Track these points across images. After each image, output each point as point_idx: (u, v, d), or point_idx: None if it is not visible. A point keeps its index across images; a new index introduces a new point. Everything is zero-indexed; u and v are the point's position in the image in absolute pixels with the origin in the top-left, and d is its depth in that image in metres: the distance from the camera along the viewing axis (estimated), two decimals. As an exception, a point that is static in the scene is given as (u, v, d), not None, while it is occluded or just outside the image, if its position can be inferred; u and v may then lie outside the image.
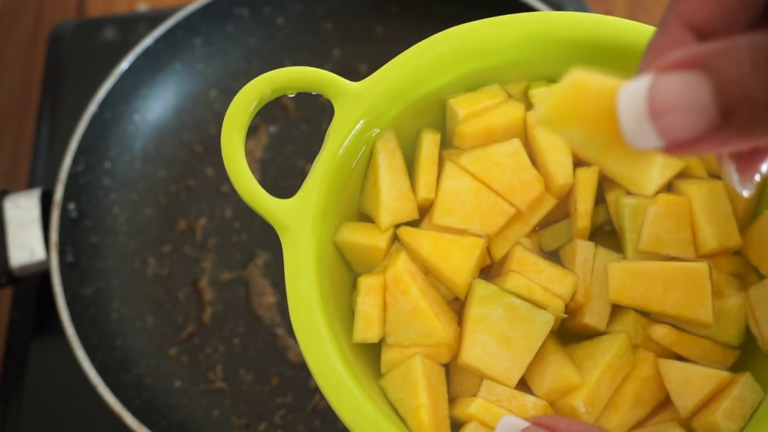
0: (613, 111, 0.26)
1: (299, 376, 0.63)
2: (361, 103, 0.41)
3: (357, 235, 0.41)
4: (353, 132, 0.41)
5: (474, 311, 0.39)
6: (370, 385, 0.39)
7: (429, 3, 0.73)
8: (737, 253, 0.41)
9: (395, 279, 0.40)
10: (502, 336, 0.38)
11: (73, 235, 0.66)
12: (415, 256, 0.41)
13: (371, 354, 0.40)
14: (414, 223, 0.42)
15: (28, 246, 0.64)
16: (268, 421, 0.62)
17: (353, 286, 0.42)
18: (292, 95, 0.42)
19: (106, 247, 0.67)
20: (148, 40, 0.70)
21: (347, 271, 0.42)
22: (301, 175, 0.69)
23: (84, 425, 0.63)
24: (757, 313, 0.39)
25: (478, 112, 0.42)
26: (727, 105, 0.23)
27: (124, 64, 0.69)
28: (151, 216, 0.69)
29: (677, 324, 0.39)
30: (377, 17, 0.74)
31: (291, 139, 0.71)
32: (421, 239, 0.41)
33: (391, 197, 0.41)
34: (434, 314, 0.39)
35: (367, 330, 0.40)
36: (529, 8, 0.69)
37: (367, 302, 0.40)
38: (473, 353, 0.38)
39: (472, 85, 0.44)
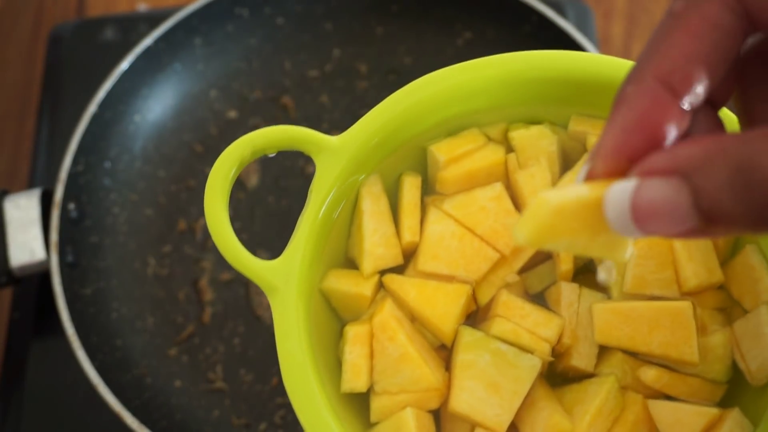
0: (592, 216, 0.28)
1: (299, 376, 0.63)
2: (341, 157, 0.41)
3: (342, 283, 0.42)
4: (336, 186, 0.42)
5: (461, 358, 0.39)
6: None
7: (429, 3, 0.73)
8: (721, 287, 0.41)
9: (382, 326, 0.40)
10: (490, 382, 0.39)
11: (73, 235, 0.66)
12: (400, 304, 0.41)
13: (360, 403, 0.41)
14: (399, 269, 0.42)
15: (28, 246, 0.64)
16: (268, 421, 0.62)
17: (340, 335, 0.42)
18: (272, 155, 0.42)
19: (106, 247, 0.67)
20: (148, 40, 0.70)
21: (334, 320, 0.42)
22: (301, 176, 0.70)
23: (84, 425, 0.63)
24: (743, 347, 0.39)
25: (459, 156, 0.43)
26: (707, 215, 0.24)
27: (124, 64, 0.69)
28: (151, 216, 0.69)
29: (664, 363, 0.40)
30: (377, 17, 0.74)
31: (291, 139, 0.71)
32: (406, 287, 0.41)
33: (374, 243, 0.42)
34: (422, 360, 0.39)
35: (355, 379, 0.40)
36: (530, 8, 0.69)
37: (355, 351, 0.40)
38: (462, 400, 0.39)
39: (452, 129, 0.44)
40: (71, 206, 0.66)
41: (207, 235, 0.68)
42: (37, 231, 0.64)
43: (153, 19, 0.75)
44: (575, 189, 0.29)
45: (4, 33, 0.83)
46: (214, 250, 0.67)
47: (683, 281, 0.40)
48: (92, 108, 0.67)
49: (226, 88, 0.73)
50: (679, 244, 0.40)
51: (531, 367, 0.39)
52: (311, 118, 0.72)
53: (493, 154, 0.43)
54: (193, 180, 0.70)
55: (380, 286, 0.42)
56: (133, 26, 0.76)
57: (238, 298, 0.66)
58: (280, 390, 0.63)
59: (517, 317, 0.40)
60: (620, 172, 0.27)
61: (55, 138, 0.73)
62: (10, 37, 0.83)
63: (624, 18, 0.79)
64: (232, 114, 0.72)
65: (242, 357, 0.64)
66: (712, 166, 0.24)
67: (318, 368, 0.39)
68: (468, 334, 0.40)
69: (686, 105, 0.26)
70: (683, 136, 0.27)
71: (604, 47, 0.77)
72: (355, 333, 0.40)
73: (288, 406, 0.62)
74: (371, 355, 0.40)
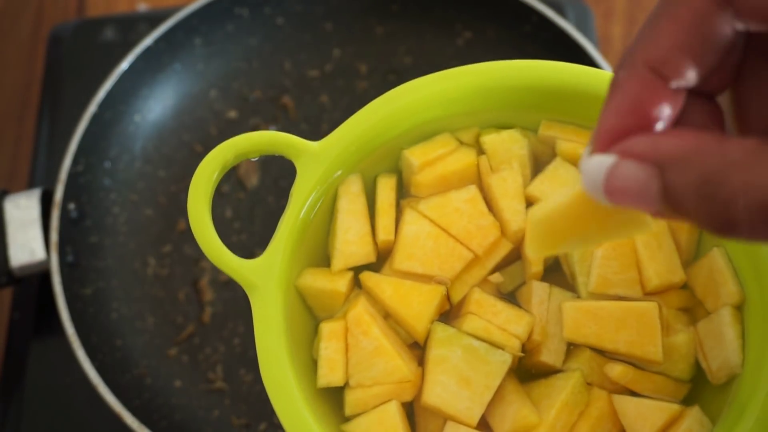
0: (586, 209, 0.30)
1: (299, 376, 0.63)
2: (322, 161, 0.43)
3: (317, 280, 0.43)
4: (316, 189, 0.43)
5: (434, 353, 0.40)
6: (334, 430, 0.41)
7: (429, 3, 0.73)
8: (685, 287, 0.42)
9: (356, 320, 0.41)
10: (462, 376, 0.40)
11: (73, 235, 0.66)
12: (376, 301, 0.42)
13: (335, 399, 0.42)
14: (375, 267, 0.43)
15: (28, 246, 0.64)
16: (268, 421, 0.62)
17: (315, 333, 0.43)
18: (255, 159, 0.44)
19: (106, 247, 0.67)
20: (148, 40, 0.70)
21: (309, 319, 0.43)
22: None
23: (84, 425, 0.63)
24: (705, 347, 0.41)
25: (432, 160, 0.44)
26: (671, 206, 0.26)
27: (124, 64, 0.69)
28: (151, 216, 0.69)
29: (630, 361, 0.41)
30: (377, 17, 0.74)
31: (291, 139, 0.71)
32: (382, 285, 0.42)
33: (346, 241, 0.43)
34: (396, 352, 0.40)
35: (331, 374, 0.41)
36: (530, 8, 0.69)
37: (330, 347, 0.41)
38: (435, 394, 0.40)
39: (426, 133, 0.45)
40: (71, 206, 0.66)
41: (207, 235, 0.68)
42: (37, 231, 0.64)
43: (153, 19, 0.75)
44: (556, 195, 0.31)
45: (4, 33, 0.83)
46: (214, 250, 0.67)
47: (646, 281, 0.41)
48: (92, 108, 0.67)
49: (226, 88, 0.73)
50: (641, 245, 0.41)
51: (502, 362, 0.40)
52: (311, 118, 0.72)
53: (466, 158, 0.44)
54: (193, 180, 0.70)
55: (355, 284, 0.43)
56: (133, 26, 0.76)
57: (238, 298, 0.66)
58: (280, 390, 0.63)
59: (489, 314, 0.41)
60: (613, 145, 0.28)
61: (55, 138, 0.73)
62: (10, 37, 0.83)
63: (624, 18, 0.79)
64: (232, 114, 0.72)
65: (242, 357, 0.64)
66: (685, 167, 0.25)
67: (294, 365, 0.40)
68: (441, 330, 0.41)
69: (675, 88, 0.27)
70: (675, 121, 0.29)
71: (603, 47, 0.77)
72: (330, 329, 0.41)
73: (288, 406, 0.62)
74: (346, 351, 0.41)
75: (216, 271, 0.67)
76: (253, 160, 0.44)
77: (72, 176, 0.66)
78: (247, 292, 0.41)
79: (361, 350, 0.41)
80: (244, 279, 0.41)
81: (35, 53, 0.82)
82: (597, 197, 0.28)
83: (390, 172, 0.45)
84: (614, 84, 0.28)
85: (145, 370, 0.64)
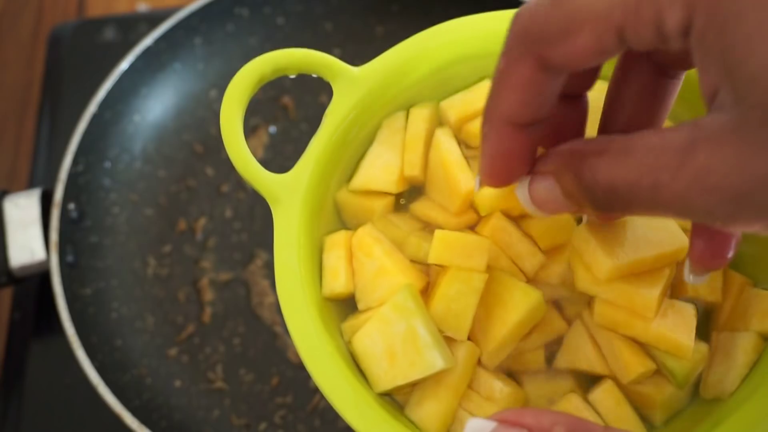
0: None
1: (299, 376, 0.63)
2: (360, 87, 0.42)
3: (354, 195, 0.43)
4: (351, 114, 0.42)
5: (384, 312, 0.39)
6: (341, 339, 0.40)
7: (429, 3, 0.73)
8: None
9: (359, 243, 0.41)
10: (391, 348, 0.38)
11: (73, 235, 0.66)
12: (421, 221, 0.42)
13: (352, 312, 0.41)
14: (414, 198, 0.43)
15: (28, 246, 0.64)
16: (268, 421, 0.62)
17: None
18: (293, 76, 0.43)
19: (106, 247, 0.67)
20: (148, 40, 0.70)
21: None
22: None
23: (84, 425, 0.63)
24: (714, 358, 0.39)
25: (471, 115, 0.43)
26: (573, 202, 0.33)
27: (124, 64, 0.69)
28: (151, 216, 0.69)
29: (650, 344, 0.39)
30: (377, 17, 0.74)
31: (291, 139, 0.71)
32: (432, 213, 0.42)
33: (372, 165, 0.43)
34: (398, 270, 0.40)
35: (333, 282, 0.40)
36: (529, 8, 0.69)
37: (331, 256, 0.41)
38: (362, 343, 0.39)
39: (472, 70, 0.44)
40: (71, 206, 0.66)
41: (207, 235, 0.68)
42: (37, 231, 0.64)
43: (153, 19, 0.75)
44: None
45: (4, 33, 0.83)
46: (214, 250, 0.67)
47: (685, 292, 0.40)
48: (92, 108, 0.67)
49: (226, 88, 0.73)
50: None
51: (432, 366, 0.38)
52: (311, 118, 0.72)
53: None
54: (193, 180, 0.70)
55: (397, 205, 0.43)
56: (133, 26, 0.76)
57: (238, 298, 0.66)
58: (280, 390, 0.63)
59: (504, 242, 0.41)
60: (500, 183, 0.36)
61: (55, 138, 0.73)
62: (10, 38, 0.83)
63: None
64: (232, 114, 0.72)
65: (242, 357, 0.64)
66: (564, 172, 0.33)
67: (313, 279, 0.40)
68: (405, 298, 0.39)
69: (528, 131, 0.34)
70: (549, 130, 0.36)
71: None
72: (331, 240, 0.41)
73: (288, 406, 0.62)
74: (349, 259, 0.41)
75: (216, 271, 0.67)
76: (291, 76, 0.43)
77: (72, 176, 0.66)
78: (270, 206, 0.41)
79: (366, 272, 0.40)
80: (269, 192, 0.40)
81: (35, 53, 0.82)
82: (535, 212, 0.35)
83: (427, 103, 0.44)
84: (482, 137, 0.35)
85: (145, 370, 0.64)
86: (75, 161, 0.66)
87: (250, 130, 0.71)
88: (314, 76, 0.43)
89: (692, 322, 0.38)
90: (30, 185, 0.72)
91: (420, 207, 0.43)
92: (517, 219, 0.41)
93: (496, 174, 0.35)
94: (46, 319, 0.67)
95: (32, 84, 0.80)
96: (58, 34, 0.77)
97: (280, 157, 0.70)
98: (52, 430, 0.63)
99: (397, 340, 0.38)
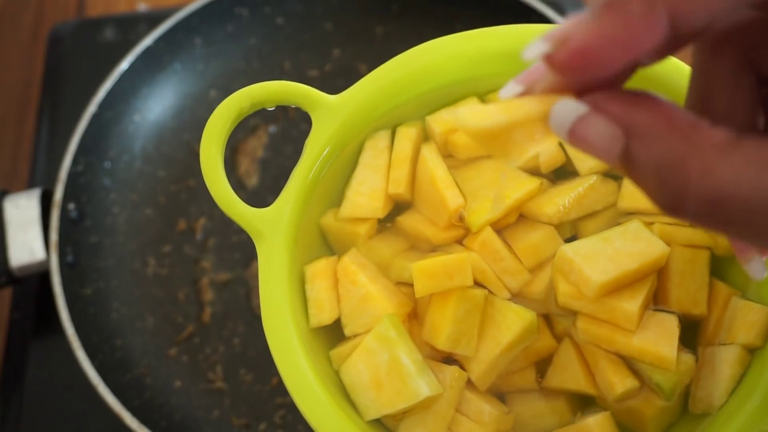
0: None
1: (299, 376, 0.63)
2: (338, 115, 0.42)
3: (338, 222, 0.43)
4: (331, 143, 0.42)
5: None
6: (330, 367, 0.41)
7: (429, 3, 0.73)
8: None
9: (344, 271, 0.41)
10: (377, 378, 0.38)
11: (73, 235, 0.66)
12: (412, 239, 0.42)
13: (339, 338, 0.42)
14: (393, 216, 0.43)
15: (28, 246, 0.64)
16: (268, 421, 0.62)
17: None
18: (271, 108, 0.43)
19: (106, 247, 0.67)
20: (148, 40, 0.70)
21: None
22: (301, 175, 0.70)
23: (84, 425, 0.63)
24: (701, 372, 0.39)
25: (456, 128, 0.42)
26: (627, 169, 0.27)
27: (124, 64, 0.69)
28: (151, 216, 0.69)
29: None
30: (377, 17, 0.74)
31: (291, 139, 0.71)
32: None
33: (358, 192, 0.42)
34: (383, 297, 0.40)
35: (319, 314, 0.41)
36: (530, 9, 0.69)
37: (315, 287, 0.41)
38: (349, 373, 0.39)
39: (453, 94, 0.44)
40: (71, 206, 0.66)
41: (207, 235, 0.68)
42: (37, 231, 0.64)
43: (153, 19, 0.75)
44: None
45: (4, 33, 0.83)
46: (214, 250, 0.67)
47: (665, 303, 0.40)
48: (92, 108, 0.67)
49: (226, 88, 0.73)
50: (674, 270, 0.39)
51: (419, 394, 0.38)
52: (311, 118, 0.71)
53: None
54: (193, 180, 0.70)
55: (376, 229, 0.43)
56: (133, 26, 0.76)
57: (238, 298, 0.66)
58: (280, 390, 0.63)
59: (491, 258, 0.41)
60: (571, 73, 0.27)
61: (55, 138, 0.73)
62: (10, 37, 0.83)
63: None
64: (232, 114, 0.72)
65: (242, 357, 0.64)
66: (649, 143, 0.26)
67: (298, 310, 0.40)
68: (388, 327, 0.40)
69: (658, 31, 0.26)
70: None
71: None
72: (312, 270, 0.41)
73: (288, 406, 0.62)
74: (333, 289, 0.41)
75: (216, 271, 0.67)
76: (269, 109, 0.43)
77: (72, 176, 0.66)
78: (254, 241, 0.41)
79: (352, 299, 0.40)
80: (253, 227, 0.41)
81: (35, 53, 0.82)
82: (559, 135, 0.28)
83: (413, 122, 0.44)
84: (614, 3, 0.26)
85: (145, 370, 0.64)
86: (75, 161, 0.66)
87: (250, 130, 0.71)
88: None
89: (674, 333, 0.38)
90: (30, 185, 0.72)
91: (408, 221, 0.43)
92: (503, 231, 0.41)
93: (590, 52, 0.26)
94: (46, 319, 0.67)
95: (32, 84, 0.80)
96: (58, 34, 0.77)
97: (280, 156, 0.70)
98: (52, 430, 0.63)
99: (381, 370, 0.38)
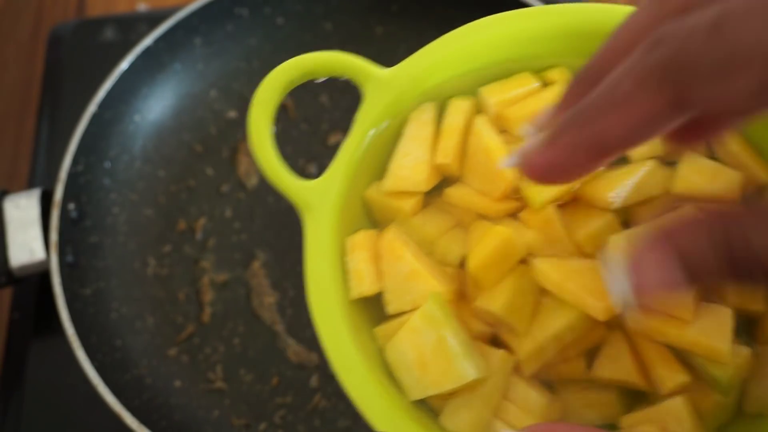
0: None
1: (299, 376, 0.63)
2: (390, 89, 0.41)
3: (384, 195, 0.42)
4: (381, 117, 0.41)
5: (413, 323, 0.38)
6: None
7: (429, 3, 0.73)
8: None
9: (389, 246, 0.40)
10: (422, 358, 0.38)
11: (73, 235, 0.66)
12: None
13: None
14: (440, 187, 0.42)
15: (28, 246, 0.64)
16: (268, 421, 0.62)
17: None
18: (322, 80, 0.42)
19: (106, 247, 0.67)
20: (148, 40, 0.70)
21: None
22: (301, 175, 0.69)
23: (84, 425, 0.63)
24: (759, 371, 0.38)
25: (512, 99, 0.42)
26: (694, 275, 0.28)
27: (124, 64, 0.69)
28: (151, 216, 0.69)
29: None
30: (377, 17, 0.74)
31: (291, 139, 0.71)
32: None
33: (401, 165, 0.41)
34: (430, 274, 0.39)
35: (359, 285, 0.40)
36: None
37: (354, 258, 0.40)
38: (394, 352, 0.38)
39: (508, 71, 0.43)
40: (71, 206, 0.66)
41: (207, 234, 0.68)
42: (37, 231, 0.64)
43: (153, 19, 0.75)
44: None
45: (4, 33, 0.83)
46: (214, 250, 0.67)
47: (725, 300, 0.38)
48: (92, 108, 0.67)
49: (226, 88, 0.73)
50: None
51: (465, 376, 0.38)
52: (311, 118, 0.72)
53: (553, 97, 0.41)
54: (193, 180, 0.70)
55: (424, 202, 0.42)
56: (133, 26, 0.76)
57: (238, 298, 0.66)
58: (280, 390, 0.63)
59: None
60: (556, 180, 0.32)
61: (55, 138, 0.73)
62: (10, 37, 0.83)
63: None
64: (232, 114, 0.72)
65: (242, 357, 0.64)
66: (695, 232, 0.28)
67: (338, 284, 0.39)
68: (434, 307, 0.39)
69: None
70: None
71: (604, 47, 0.77)
72: (352, 242, 0.40)
73: (288, 406, 0.62)
74: (373, 260, 0.40)
75: (216, 271, 0.67)
76: (317, 81, 0.42)
77: (72, 176, 0.66)
78: (301, 213, 0.40)
79: (396, 275, 0.39)
80: (301, 199, 0.40)
81: (35, 53, 0.82)
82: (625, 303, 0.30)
83: (466, 96, 0.43)
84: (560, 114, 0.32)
85: (145, 370, 0.64)
86: (75, 161, 0.66)
87: (250, 130, 0.72)
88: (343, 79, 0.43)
89: (728, 325, 0.36)
90: (30, 185, 0.72)
91: (458, 192, 0.41)
92: (564, 208, 0.40)
93: (558, 171, 0.31)
94: (46, 319, 0.67)
95: (32, 84, 0.80)
96: (58, 34, 0.77)
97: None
98: (52, 430, 0.63)
99: (427, 350, 0.37)
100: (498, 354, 0.38)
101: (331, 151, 0.70)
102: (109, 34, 0.76)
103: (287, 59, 0.73)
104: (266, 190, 0.69)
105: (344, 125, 0.70)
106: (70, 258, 0.65)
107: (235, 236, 0.68)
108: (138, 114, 0.71)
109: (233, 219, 0.69)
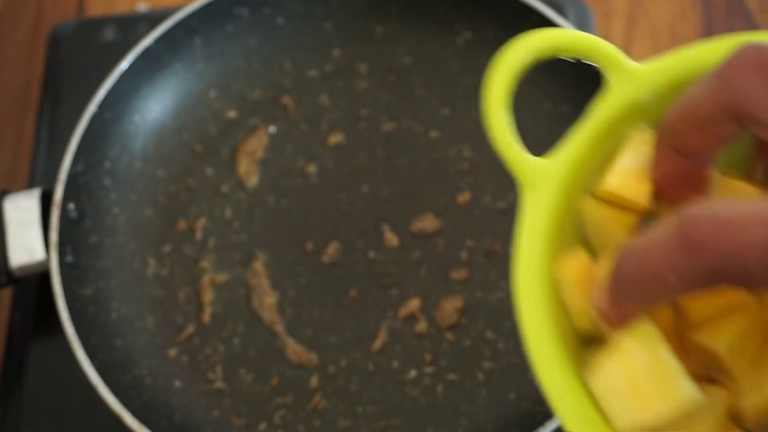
0: None
1: (299, 376, 0.63)
2: (638, 87, 0.38)
3: (601, 206, 0.38)
4: (622, 113, 0.38)
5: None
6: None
7: (429, 3, 0.73)
8: None
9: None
10: (633, 381, 0.33)
11: (73, 235, 0.66)
12: None
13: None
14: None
15: (27, 246, 0.64)
16: (268, 421, 0.62)
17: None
18: (571, 59, 0.39)
19: (106, 247, 0.67)
20: (148, 40, 0.70)
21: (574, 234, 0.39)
22: (301, 175, 0.70)
23: (84, 425, 0.63)
24: None
25: None
26: None
27: (124, 64, 0.69)
28: (151, 216, 0.69)
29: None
30: (377, 17, 0.74)
31: (291, 139, 0.71)
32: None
33: (625, 171, 0.37)
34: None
35: (580, 322, 0.36)
36: (530, 8, 0.69)
37: (573, 293, 0.36)
38: (599, 378, 0.34)
39: None
40: (71, 206, 0.66)
41: (207, 234, 0.68)
42: (37, 231, 0.64)
43: (153, 19, 0.75)
44: None
45: (4, 33, 0.83)
46: (214, 250, 0.67)
47: None
48: (92, 108, 0.67)
49: (225, 88, 0.73)
50: None
51: (687, 400, 0.33)
52: (311, 118, 0.72)
53: None
54: (193, 180, 0.70)
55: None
56: (133, 26, 0.76)
57: (238, 298, 0.66)
58: (280, 390, 0.63)
59: None
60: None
61: (55, 138, 0.73)
62: (10, 37, 0.83)
63: (624, 18, 0.79)
64: (232, 114, 0.72)
65: (242, 357, 0.64)
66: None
67: (552, 288, 0.36)
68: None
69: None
70: None
71: (604, 47, 0.77)
72: (568, 273, 0.36)
73: (288, 406, 0.62)
74: (586, 291, 0.36)
75: (216, 271, 0.67)
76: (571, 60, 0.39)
77: (72, 176, 0.66)
78: (523, 191, 0.37)
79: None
80: (526, 176, 0.37)
81: (35, 53, 0.81)
82: None
83: None
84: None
85: (145, 370, 0.64)
86: (75, 161, 0.66)
87: (249, 130, 0.72)
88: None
89: None
90: (30, 185, 0.72)
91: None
92: None
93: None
94: (46, 319, 0.67)
95: (32, 84, 0.80)
96: (57, 34, 0.77)
97: (280, 156, 0.70)
98: (52, 430, 0.63)
99: (640, 372, 0.33)
100: (714, 390, 0.34)
101: (331, 151, 0.70)
102: (109, 34, 0.76)
103: (287, 59, 0.74)
104: (266, 190, 0.69)
105: (344, 125, 0.70)
106: (70, 258, 0.65)
107: (235, 236, 0.68)
108: (138, 114, 0.71)
109: (233, 219, 0.69)
